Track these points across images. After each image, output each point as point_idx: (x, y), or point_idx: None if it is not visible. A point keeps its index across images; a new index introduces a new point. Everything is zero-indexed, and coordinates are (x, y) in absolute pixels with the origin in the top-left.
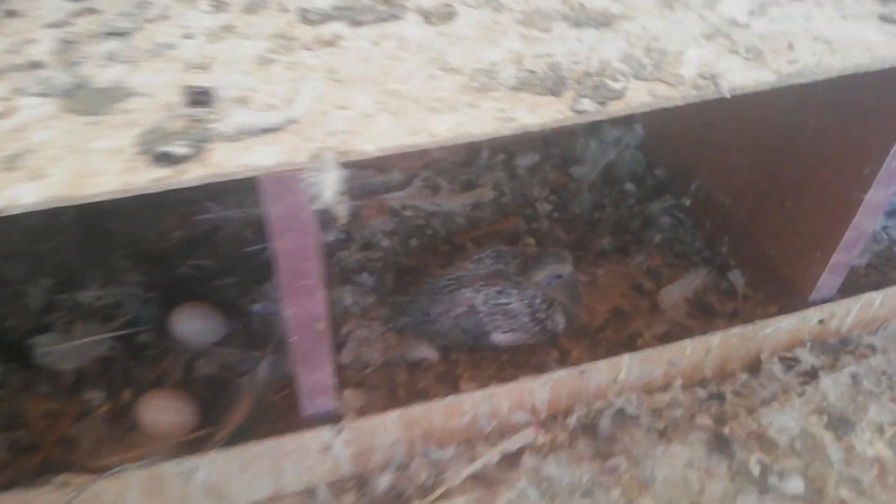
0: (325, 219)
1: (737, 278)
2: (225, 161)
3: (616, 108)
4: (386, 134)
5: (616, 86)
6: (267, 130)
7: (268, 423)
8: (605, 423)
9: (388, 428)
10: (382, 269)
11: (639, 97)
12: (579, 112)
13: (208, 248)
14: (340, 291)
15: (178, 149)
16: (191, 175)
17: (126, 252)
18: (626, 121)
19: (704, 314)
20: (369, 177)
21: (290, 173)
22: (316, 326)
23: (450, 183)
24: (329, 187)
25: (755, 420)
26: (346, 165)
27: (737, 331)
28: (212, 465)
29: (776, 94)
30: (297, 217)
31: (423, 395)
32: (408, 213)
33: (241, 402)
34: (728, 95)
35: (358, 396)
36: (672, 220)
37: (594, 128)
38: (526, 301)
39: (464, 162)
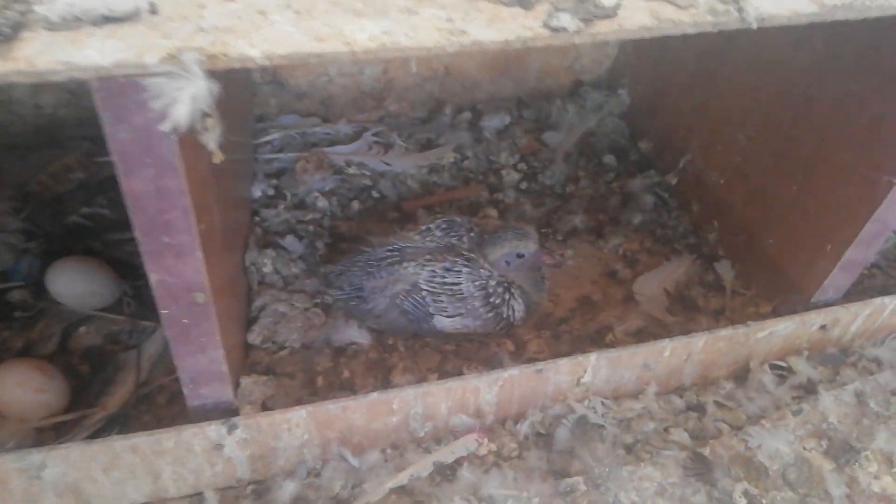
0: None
1: (725, 270)
2: (39, 56)
3: (604, 30)
4: (282, 37)
5: (607, 1)
6: (110, 19)
7: (153, 411)
8: (562, 434)
9: (296, 427)
10: (314, 234)
11: (636, 18)
12: (554, 30)
13: (109, 195)
14: (259, 256)
15: None
16: None
17: (11, 193)
18: (610, 84)
19: (685, 310)
20: (310, 126)
21: (133, 80)
22: (194, 298)
23: (405, 141)
24: (187, 103)
25: (741, 440)
26: (220, 77)
27: (725, 333)
28: (66, 462)
29: (794, 50)
30: (151, 145)
31: (347, 388)
32: (352, 171)
33: (122, 382)
34: (754, 26)
35: (263, 386)
36: (655, 199)
37: (573, 90)
38: (478, 282)
39: (423, 119)
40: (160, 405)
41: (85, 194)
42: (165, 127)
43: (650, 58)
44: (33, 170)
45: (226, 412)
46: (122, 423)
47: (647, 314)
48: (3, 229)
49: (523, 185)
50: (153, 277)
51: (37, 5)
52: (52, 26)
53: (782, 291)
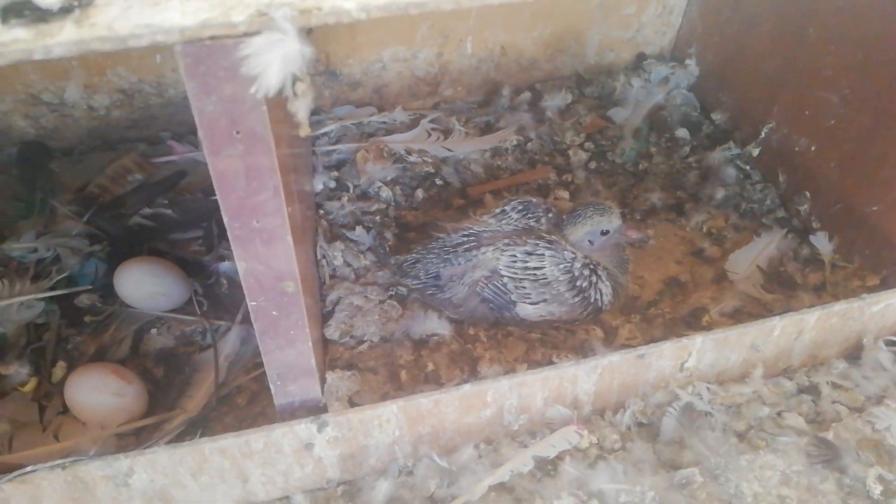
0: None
1: (822, 243)
2: (118, 20)
3: None
4: None
5: None
6: None
7: (234, 413)
8: (668, 423)
9: (387, 423)
10: (381, 225)
11: None
12: None
13: (170, 194)
14: (329, 249)
15: None
16: (60, 38)
17: (70, 198)
18: (675, 55)
19: (783, 287)
20: (365, 116)
21: (220, 42)
22: (283, 287)
23: (464, 126)
24: (279, 67)
25: (866, 422)
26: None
27: (839, 307)
28: (154, 467)
29: None
30: (241, 118)
31: (433, 381)
32: (413, 158)
33: (200, 383)
34: None
35: (348, 381)
36: (737, 172)
37: (636, 64)
38: (563, 265)
39: (480, 102)
40: (240, 406)
41: (145, 195)
42: (257, 93)
43: (719, 23)
44: (91, 173)
45: (313, 409)
46: (202, 425)
47: (742, 293)
48: (66, 234)
49: (592, 165)
50: (242, 266)
51: None
52: None
53: (891, 261)
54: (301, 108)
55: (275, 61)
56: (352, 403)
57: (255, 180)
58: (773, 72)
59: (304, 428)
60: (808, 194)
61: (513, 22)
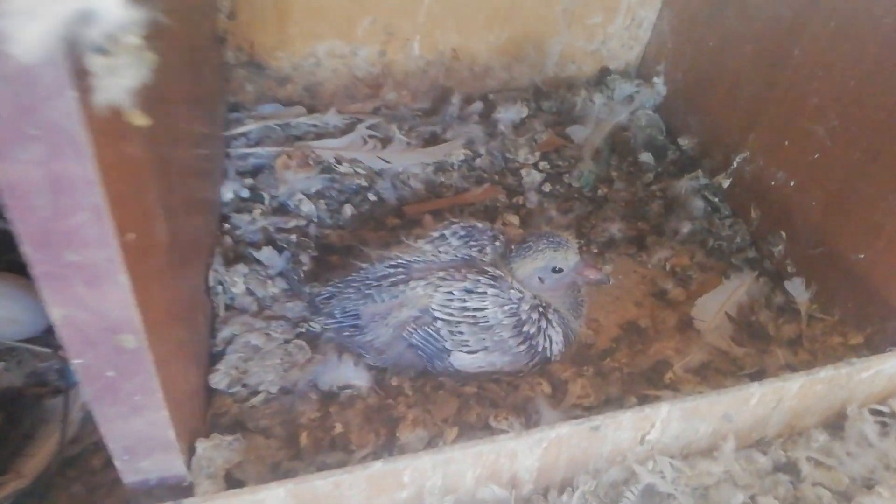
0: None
1: (798, 290)
2: None
3: None
4: None
5: None
6: None
7: (84, 478)
8: None
9: None
10: (298, 245)
11: None
12: None
13: None
14: (227, 273)
15: None
16: None
17: None
18: (641, 72)
19: (754, 339)
20: (293, 116)
21: None
22: (119, 342)
23: (406, 135)
24: (52, 26)
25: None
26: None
27: (825, 374)
28: None
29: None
30: (35, 106)
31: (340, 447)
32: (344, 168)
33: (45, 438)
34: None
35: (226, 451)
36: (705, 204)
37: (599, 80)
38: (507, 306)
39: (427, 110)
40: (94, 470)
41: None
42: (42, 66)
43: (692, 40)
44: None
45: (175, 490)
46: (40, 496)
47: (710, 345)
48: None
49: (546, 188)
50: (56, 312)
51: None
52: None
53: (877, 318)
54: (110, 90)
55: (48, 17)
56: (230, 479)
57: (64, 196)
58: (751, 96)
59: None
60: (783, 234)
61: (467, 23)
